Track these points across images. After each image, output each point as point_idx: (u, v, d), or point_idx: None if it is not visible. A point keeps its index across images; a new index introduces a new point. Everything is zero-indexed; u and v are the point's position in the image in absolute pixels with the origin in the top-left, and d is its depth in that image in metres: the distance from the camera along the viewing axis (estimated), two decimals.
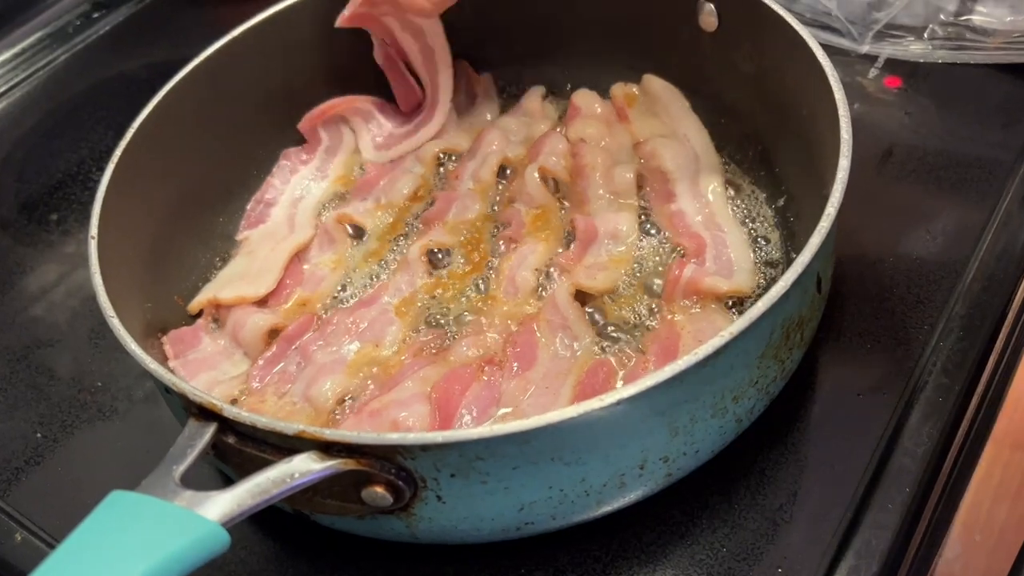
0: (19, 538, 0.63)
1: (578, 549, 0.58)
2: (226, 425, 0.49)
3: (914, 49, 0.83)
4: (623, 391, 0.46)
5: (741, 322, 0.48)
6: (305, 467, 0.46)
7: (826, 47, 0.62)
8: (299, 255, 0.74)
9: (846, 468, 0.58)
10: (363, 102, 0.82)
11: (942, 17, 0.81)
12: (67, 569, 0.39)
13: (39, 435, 0.68)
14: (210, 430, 0.49)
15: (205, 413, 0.49)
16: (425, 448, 0.47)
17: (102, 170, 0.78)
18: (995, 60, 0.81)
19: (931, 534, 0.59)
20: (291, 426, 0.47)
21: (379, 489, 0.48)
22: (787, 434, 0.61)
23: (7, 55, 1.00)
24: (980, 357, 0.63)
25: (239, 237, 0.76)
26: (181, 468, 0.46)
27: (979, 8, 0.80)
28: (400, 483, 0.48)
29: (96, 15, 1.04)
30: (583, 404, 0.46)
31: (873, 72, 0.82)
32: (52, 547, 0.62)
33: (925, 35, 0.82)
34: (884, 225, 0.72)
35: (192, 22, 1.01)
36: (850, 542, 0.55)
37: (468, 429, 0.47)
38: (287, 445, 0.48)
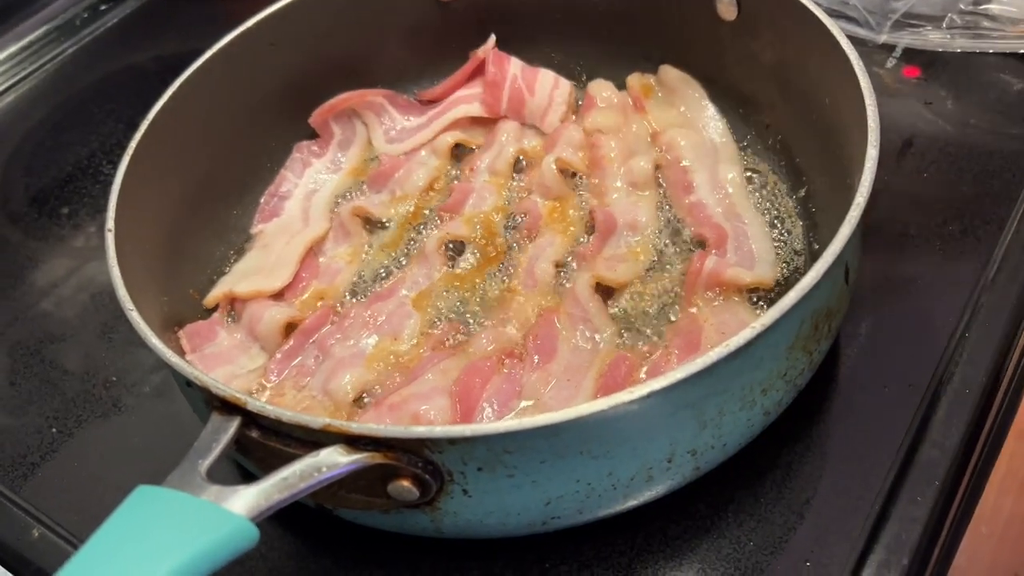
0: (36, 534, 0.62)
1: (603, 543, 0.57)
2: (250, 419, 0.49)
3: (932, 38, 0.82)
4: (653, 383, 0.45)
5: (772, 313, 0.47)
6: (332, 461, 0.46)
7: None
8: (314, 248, 0.73)
9: (873, 461, 0.58)
10: (374, 95, 0.81)
11: (961, 6, 0.81)
12: (96, 565, 0.38)
13: (54, 430, 0.68)
14: (234, 424, 0.48)
15: (228, 407, 0.49)
16: (453, 441, 0.46)
17: (112, 163, 0.77)
18: (1014, 49, 0.81)
19: (957, 526, 0.58)
20: (317, 420, 0.46)
21: (405, 483, 0.47)
22: (812, 427, 0.60)
23: (15, 48, 1.00)
24: (1005, 348, 0.63)
25: (253, 231, 0.76)
26: (207, 463, 0.45)
27: None
28: (427, 476, 0.47)
29: (104, 7, 1.03)
30: (613, 397, 0.45)
31: (891, 62, 0.82)
32: (69, 543, 0.61)
33: (944, 24, 0.81)
34: (906, 216, 0.71)
35: (200, 14, 1.01)
36: (879, 535, 0.55)
37: (496, 422, 0.46)
38: (312, 439, 0.47)
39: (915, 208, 0.71)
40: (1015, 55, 0.81)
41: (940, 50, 0.82)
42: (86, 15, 1.01)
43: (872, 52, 0.83)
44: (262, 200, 0.77)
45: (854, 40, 0.80)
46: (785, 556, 0.55)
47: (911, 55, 0.83)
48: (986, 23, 0.82)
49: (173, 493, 0.42)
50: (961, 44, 0.82)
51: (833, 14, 0.83)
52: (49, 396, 0.70)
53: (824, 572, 0.54)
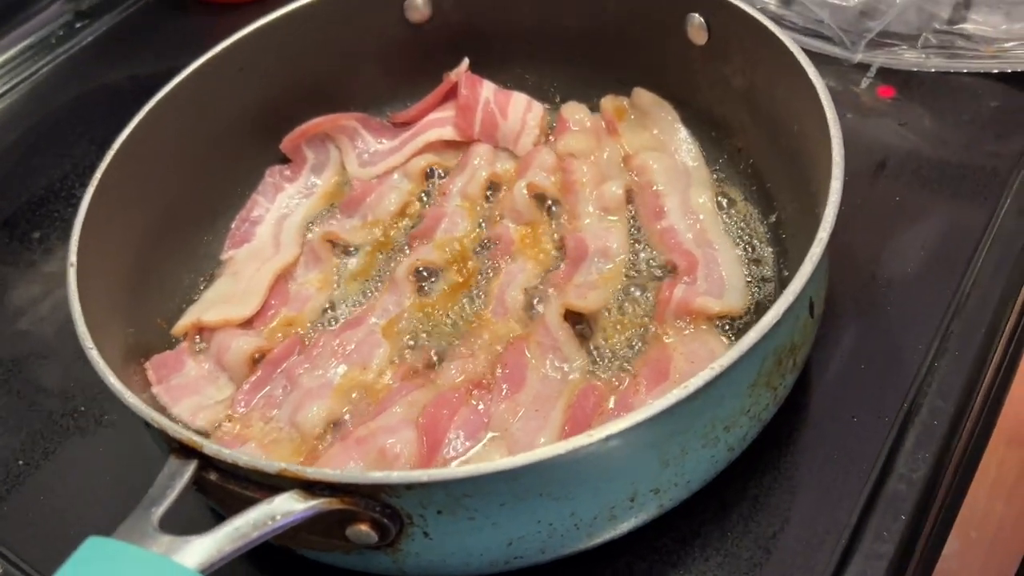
0: (1, 571, 0.62)
1: None
2: (207, 462, 0.48)
3: (907, 57, 0.82)
4: (611, 426, 0.45)
5: (731, 353, 0.47)
6: (287, 508, 0.45)
7: (818, 55, 0.61)
8: (285, 274, 0.73)
9: (840, 493, 0.57)
10: (347, 119, 0.81)
11: (935, 25, 0.80)
12: None
13: (20, 462, 0.67)
14: (191, 467, 0.48)
15: (185, 450, 0.48)
16: (410, 487, 0.46)
17: (85, 186, 0.76)
18: (988, 68, 0.80)
19: (924, 562, 0.58)
20: (272, 464, 0.46)
21: (364, 527, 0.47)
22: (780, 459, 0.60)
23: None
24: (975, 377, 0.62)
25: (224, 257, 0.75)
26: (160, 510, 0.45)
27: (973, 16, 0.79)
28: (385, 520, 0.47)
29: (79, 24, 1.02)
30: (571, 441, 0.45)
31: (866, 81, 0.81)
32: None
33: (919, 43, 0.81)
34: (878, 239, 0.71)
35: (175, 32, 1.00)
36: (844, 572, 0.54)
37: (454, 468, 0.46)
38: (269, 483, 0.47)
39: (887, 230, 0.71)
40: (990, 75, 0.80)
41: (915, 69, 0.82)
42: (61, 32, 1.01)
43: (847, 72, 0.82)
44: (233, 225, 0.77)
45: (828, 59, 0.80)
46: None
47: (886, 74, 0.82)
48: (961, 43, 0.81)
49: (123, 546, 0.41)
50: (936, 64, 0.81)
51: (808, 33, 0.83)
52: (15, 427, 0.70)
53: None
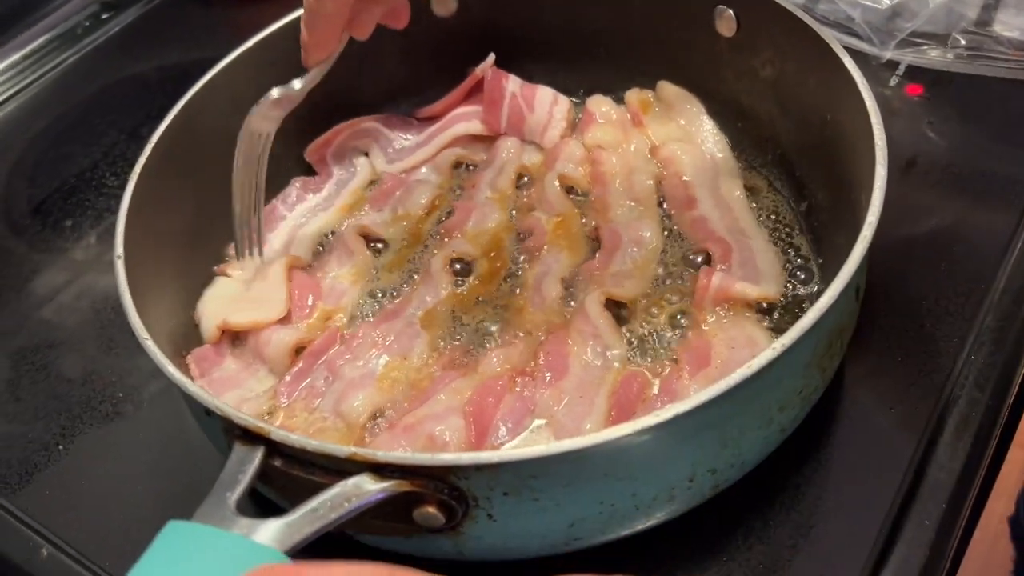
0: (45, 553, 0.61)
1: (610, 566, 0.57)
2: (273, 448, 0.48)
3: (934, 56, 0.82)
4: (678, 407, 0.46)
5: (792, 333, 0.48)
6: (360, 490, 0.46)
7: (846, 51, 0.62)
8: (319, 270, 0.73)
9: (880, 483, 0.58)
10: (368, 122, 0.81)
11: (963, 25, 0.81)
12: None
13: (60, 447, 0.67)
14: (258, 454, 0.48)
15: (251, 436, 0.48)
16: (480, 468, 0.46)
17: (115, 175, 0.76)
18: (1015, 75, 0.80)
19: (959, 545, 0.59)
20: (343, 449, 0.46)
21: (431, 509, 0.47)
22: (820, 450, 0.61)
23: (16, 57, 0.99)
24: (1011, 369, 0.63)
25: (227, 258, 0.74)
26: (235, 495, 0.45)
27: (1000, 17, 0.80)
28: (452, 503, 0.47)
29: (105, 16, 1.02)
30: (639, 421, 0.45)
31: (894, 79, 0.82)
32: (77, 561, 0.61)
33: (947, 43, 0.81)
34: (910, 236, 0.71)
35: (202, 23, 1.00)
36: (887, 559, 0.55)
37: (524, 449, 0.46)
38: (337, 468, 0.47)
39: (919, 227, 0.72)
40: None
41: (943, 69, 0.82)
42: (87, 23, 1.01)
43: (875, 70, 0.83)
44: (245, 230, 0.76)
45: (857, 55, 0.81)
46: None
47: (914, 73, 0.83)
48: (989, 44, 0.81)
49: (205, 528, 0.42)
50: (963, 66, 0.81)
51: (835, 28, 0.84)
52: (52, 406, 0.70)
53: None
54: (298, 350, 0.67)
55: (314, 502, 0.45)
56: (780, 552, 0.57)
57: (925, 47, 0.82)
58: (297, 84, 0.67)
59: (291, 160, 0.80)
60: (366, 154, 0.82)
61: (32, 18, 1.00)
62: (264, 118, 0.67)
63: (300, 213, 0.78)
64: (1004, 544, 1.21)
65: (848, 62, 0.61)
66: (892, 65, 0.83)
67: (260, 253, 0.72)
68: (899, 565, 0.55)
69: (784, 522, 0.58)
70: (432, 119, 0.83)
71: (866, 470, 0.59)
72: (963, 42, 0.82)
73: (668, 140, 0.77)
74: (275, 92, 0.66)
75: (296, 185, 0.79)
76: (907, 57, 0.83)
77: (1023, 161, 0.75)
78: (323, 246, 0.76)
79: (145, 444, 0.67)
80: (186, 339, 0.67)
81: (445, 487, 0.47)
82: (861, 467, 0.60)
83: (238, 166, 0.67)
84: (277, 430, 0.48)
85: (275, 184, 0.78)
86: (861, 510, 0.57)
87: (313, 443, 0.47)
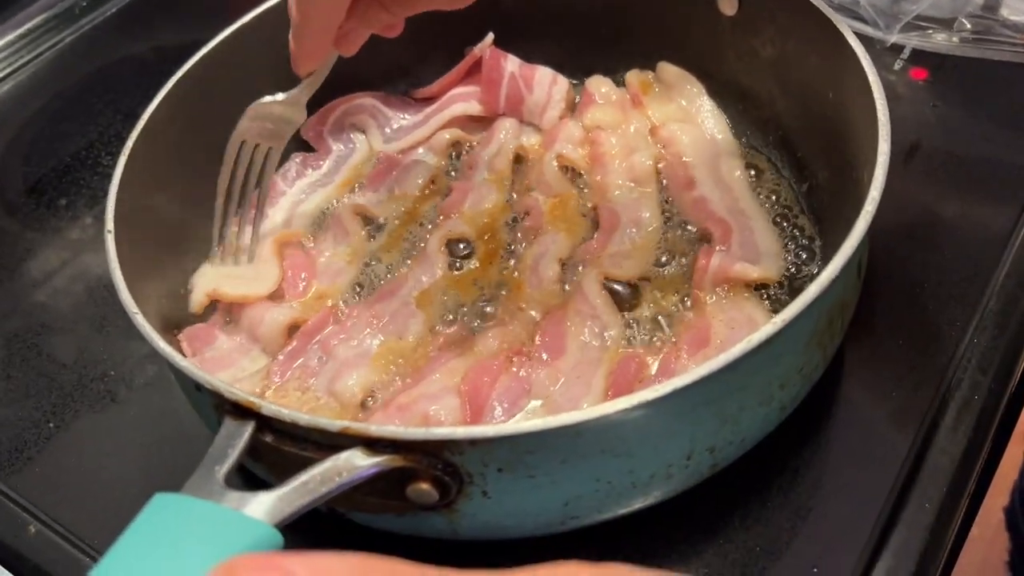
0: (33, 530, 0.61)
1: (606, 548, 0.56)
2: (264, 423, 0.48)
3: (940, 40, 0.81)
4: (676, 381, 0.45)
5: (793, 308, 0.47)
6: (352, 464, 0.45)
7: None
8: (315, 247, 0.72)
9: (880, 466, 0.57)
10: (364, 98, 0.80)
11: (969, 9, 0.80)
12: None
13: (51, 424, 0.67)
14: (248, 429, 0.47)
15: (241, 411, 0.48)
16: (474, 443, 0.45)
17: (111, 154, 0.75)
18: (1021, 59, 0.79)
19: (960, 530, 0.58)
20: (335, 423, 0.45)
21: (425, 485, 0.47)
22: (819, 432, 0.60)
23: (12, 36, 0.98)
24: (1014, 354, 0.62)
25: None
26: (223, 469, 0.44)
27: (1008, 1, 0.79)
28: (447, 479, 0.47)
29: None
30: (637, 395, 0.45)
31: (899, 63, 0.81)
32: (66, 540, 0.60)
33: (953, 27, 0.80)
34: (913, 220, 0.70)
35: (198, 4, 0.99)
36: (887, 541, 0.54)
37: (519, 423, 0.46)
38: (329, 442, 0.46)
39: (922, 212, 0.71)
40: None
41: (948, 53, 0.81)
42: (85, 3, 1.00)
43: (879, 53, 0.82)
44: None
45: (861, 39, 0.79)
46: (792, 561, 0.55)
47: (919, 56, 0.82)
48: (996, 28, 0.80)
49: (194, 501, 0.41)
50: (968, 50, 0.80)
51: (839, 10, 0.82)
52: (45, 388, 0.69)
53: None
54: (292, 330, 0.66)
55: (305, 476, 0.44)
56: (778, 535, 0.56)
57: (930, 31, 0.81)
58: (281, 96, 0.66)
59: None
60: (363, 132, 0.81)
61: None
62: (251, 122, 0.66)
63: (300, 189, 0.77)
64: (1003, 542, 1.20)
65: (851, 38, 0.60)
66: (897, 49, 0.82)
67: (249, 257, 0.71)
68: (899, 548, 0.54)
69: (783, 505, 0.57)
70: (430, 99, 0.82)
71: (866, 454, 0.59)
72: (969, 26, 0.81)
73: (668, 121, 0.76)
74: (264, 99, 0.66)
75: (296, 160, 0.78)
76: (912, 41, 0.82)
77: None
78: (321, 224, 0.75)
79: (136, 427, 0.66)
80: (178, 320, 0.66)
81: (439, 463, 0.46)
82: (861, 451, 0.59)
83: (224, 167, 0.67)
84: (268, 404, 0.47)
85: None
86: (861, 493, 0.57)
87: (305, 417, 0.46)
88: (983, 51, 0.81)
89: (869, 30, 0.82)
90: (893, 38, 0.82)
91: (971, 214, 0.71)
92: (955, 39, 0.81)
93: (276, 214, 0.75)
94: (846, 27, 0.61)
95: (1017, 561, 1.13)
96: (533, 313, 0.65)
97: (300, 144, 0.80)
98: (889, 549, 0.54)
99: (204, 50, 0.68)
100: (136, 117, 0.65)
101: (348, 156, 0.79)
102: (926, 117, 0.78)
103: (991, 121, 0.78)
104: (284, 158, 0.78)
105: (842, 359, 0.63)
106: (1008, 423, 0.63)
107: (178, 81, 0.66)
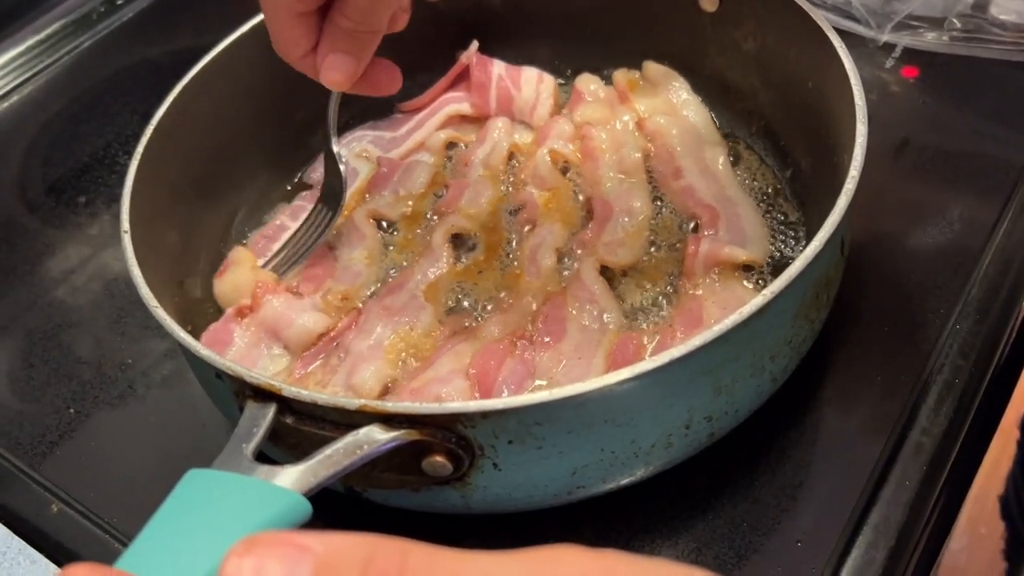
0: (55, 509, 0.64)
1: (603, 523, 0.59)
2: (285, 405, 0.50)
3: (931, 39, 0.83)
4: (674, 351, 0.48)
5: (780, 282, 0.50)
6: (372, 438, 0.47)
7: (841, 34, 0.63)
8: (333, 252, 0.74)
9: (863, 446, 0.60)
10: (356, 133, 0.83)
11: (960, 9, 0.82)
12: (160, 545, 0.39)
13: (72, 410, 0.69)
14: (270, 411, 0.50)
15: (263, 395, 0.50)
16: (486, 415, 0.48)
17: (128, 154, 0.77)
18: (1011, 57, 0.81)
19: (944, 510, 0.61)
20: (353, 401, 0.48)
21: (439, 458, 0.49)
22: (805, 415, 0.63)
23: (32, 41, 1.01)
24: (995, 340, 0.65)
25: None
26: (251, 446, 0.47)
27: (997, 0, 0.81)
28: (460, 451, 0.49)
29: (119, 1, 1.05)
30: (637, 366, 0.48)
31: (890, 62, 0.83)
32: (87, 518, 0.63)
33: (943, 26, 0.83)
34: (900, 212, 0.73)
35: (214, 9, 1.02)
36: (867, 517, 0.57)
37: (526, 395, 0.48)
38: (347, 421, 0.49)
39: (910, 205, 0.74)
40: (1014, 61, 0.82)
41: (939, 52, 0.83)
42: (102, 9, 1.04)
43: (871, 53, 0.85)
44: (249, 240, 0.77)
45: (853, 38, 0.81)
46: (778, 536, 0.58)
47: (910, 55, 0.84)
48: (987, 27, 0.82)
49: (225, 475, 0.43)
50: (959, 48, 0.83)
51: (831, 11, 0.85)
52: (65, 380, 0.72)
53: (815, 551, 0.56)
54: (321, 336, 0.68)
55: (328, 450, 0.47)
56: (765, 511, 0.59)
57: (921, 30, 0.83)
58: None
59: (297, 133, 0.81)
60: (365, 158, 0.82)
61: (49, 4, 1.03)
62: None
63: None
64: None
65: (827, 29, 0.63)
66: (888, 48, 0.84)
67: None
68: (879, 523, 0.57)
69: (769, 483, 0.60)
70: (417, 110, 0.84)
71: (850, 435, 0.62)
72: (959, 25, 0.82)
73: (654, 114, 0.79)
74: None
75: (300, 200, 0.79)
76: (903, 40, 0.84)
77: (1015, 141, 0.77)
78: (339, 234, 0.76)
79: (154, 416, 0.69)
80: (195, 318, 0.69)
81: (452, 436, 0.49)
82: (845, 432, 0.62)
83: None
84: (288, 387, 0.49)
85: (280, 155, 0.80)
86: (844, 472, 0.59)
87: (324, 396, 0.49)
88: (973, 49, 0.83)
89: (861, 29, 0.85)
90: (885, 37, 0.84)
91: (957, 206, 0.73)
92: (945, 38, 0.84)
93: (278, 246, 0.75)
94: (822, 18, 0.64)
95: (1012, 550, 1.16)
96: (532, 300, 0.68)
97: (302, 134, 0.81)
98: (870, 524, 0.57)
99: (213, 53, 0.71)
100: (152, 119, 0.67)
101: (353, 181, 0.80)
102: (916, 114, 0.81)
103: (979, 117, 0.80)
104: (291, 149, 0.81)
105: (829, 343, 0.66)
106: (987, 408, 0.65)
107: (187, 83, 0.69)
